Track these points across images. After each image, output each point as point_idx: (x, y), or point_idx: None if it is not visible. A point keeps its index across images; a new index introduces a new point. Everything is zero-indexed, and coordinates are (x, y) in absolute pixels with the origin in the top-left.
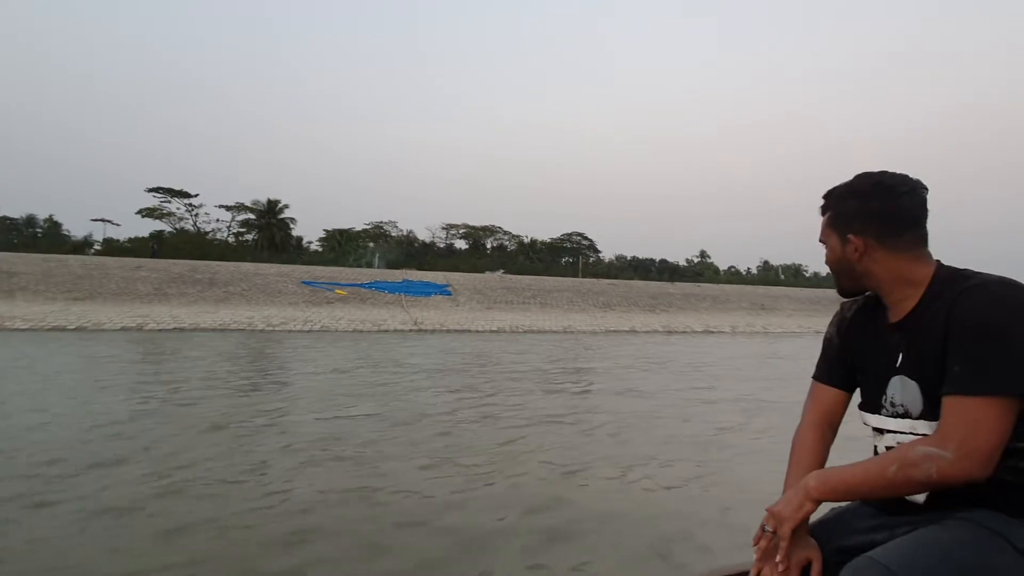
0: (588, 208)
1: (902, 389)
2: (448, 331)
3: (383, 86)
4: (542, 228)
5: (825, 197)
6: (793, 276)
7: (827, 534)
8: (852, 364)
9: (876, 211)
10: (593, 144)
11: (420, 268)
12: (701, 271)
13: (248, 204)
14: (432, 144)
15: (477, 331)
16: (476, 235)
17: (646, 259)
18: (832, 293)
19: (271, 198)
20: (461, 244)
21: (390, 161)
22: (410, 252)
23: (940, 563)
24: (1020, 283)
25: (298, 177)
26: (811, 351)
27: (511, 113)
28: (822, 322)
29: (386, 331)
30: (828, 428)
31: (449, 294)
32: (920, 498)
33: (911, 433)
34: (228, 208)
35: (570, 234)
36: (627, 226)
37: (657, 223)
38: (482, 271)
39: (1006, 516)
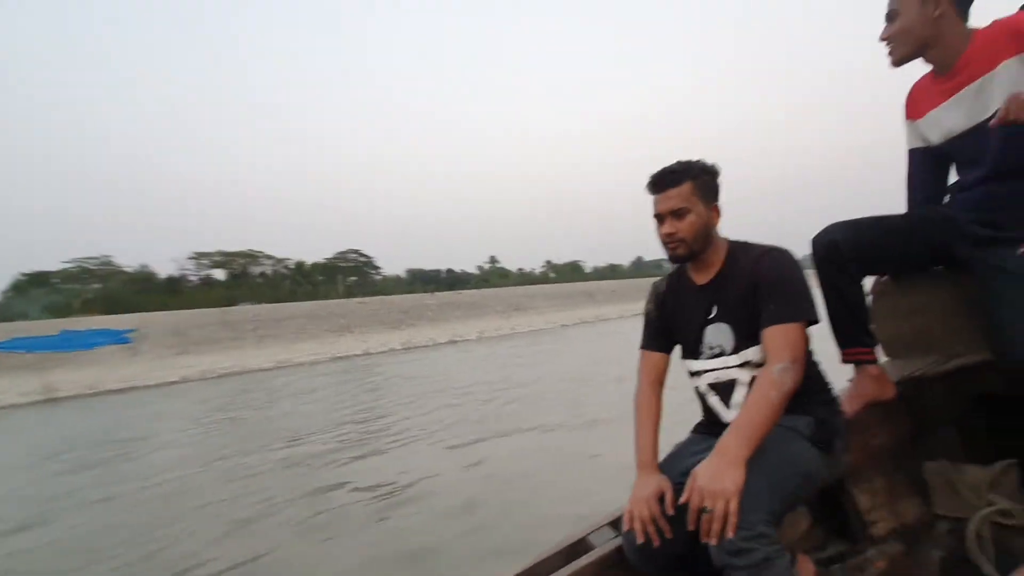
0: (367, 223)
1: (716, 333)
2: (98, 393)
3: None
4: (315, 249)
5: None
6: (571, 272)
7: (671, 465)
8: (670, 328)
9: None
10: (366, 156)
11: (157, 308)
12: (488, 277)
13: None
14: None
15: (148, 386)
16: (232, 263)
17: (432, 271)
18: (585, 286)
19: None
20: (220, 275)
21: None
22: (145, 289)
23: (760, 455)
24: (788, 249)
25: None
26: (504, 351)
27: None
28: (570, 316)
29: None
30: (660, 386)
31: (127, 342)
32: (733, 416)
33: (724, 368)
34: None
35: (344, 252)
36: (414, 239)
37: (447, 231)
38: (237, 304)
39: (788, 414)
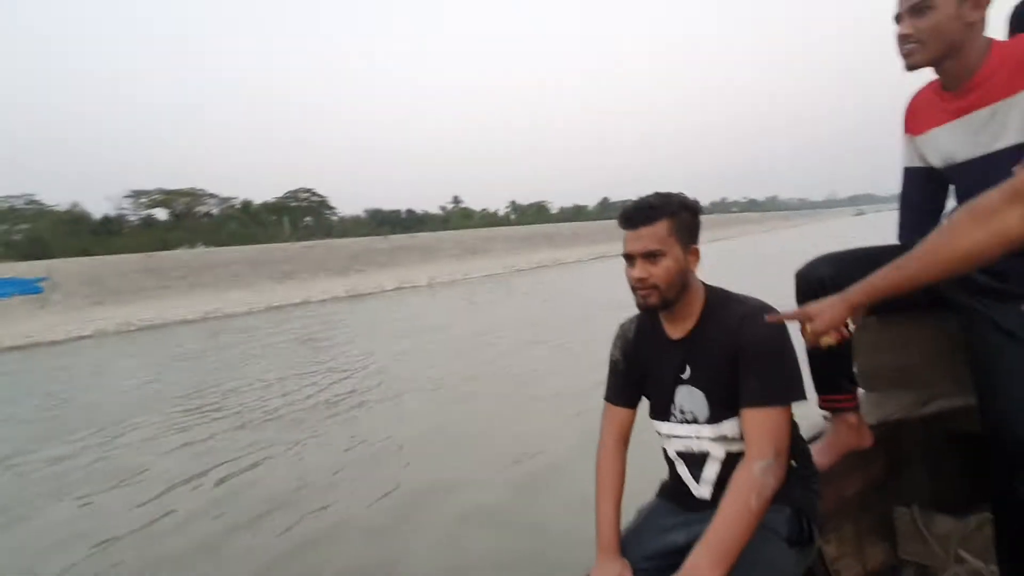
0: (322, 159)
1: (689, 398)
2: None
3: None
4: (263, 188)
5: None
6: (535, 213)
7: (635, 543)
8: (639, 380)
9: None
10: (323, 84)
11: (80, 254)
12: (449, 218)
13: None
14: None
15: (56, 341)
16: (174, 202)
17: (391, 211)
18: (545, 229)
19: None
20: (162, 215)
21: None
22: (74, 232)
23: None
24: (775, 308)
25: None
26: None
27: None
28: (527, 259)
29: None
30: (624, 443)
31: (38, 291)
32: (707, 494)
33: (697, 437)
34: None
35: (295, 192)
36: (376, 178)
37: (410, 170)
38: (176, 247)
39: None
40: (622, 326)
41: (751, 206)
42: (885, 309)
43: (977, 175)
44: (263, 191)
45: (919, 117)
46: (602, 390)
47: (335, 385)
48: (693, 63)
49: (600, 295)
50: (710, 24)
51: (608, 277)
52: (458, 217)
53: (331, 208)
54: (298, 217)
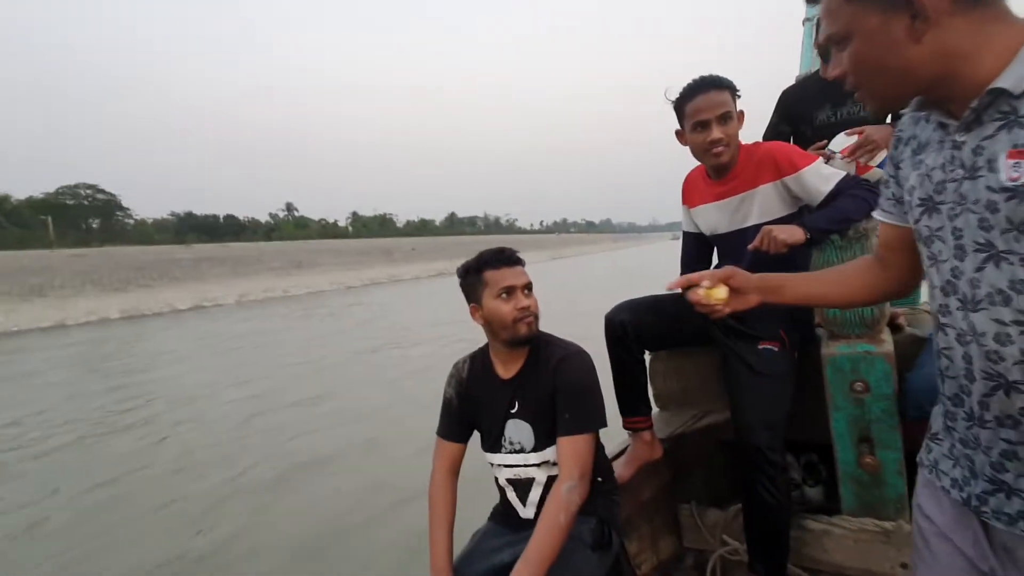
0: (114, 149)
1: (517, 430)
2: None
3: None
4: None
5: None
6: (379, 226)
7: (468, 565)
8: (471, 416)
9: None
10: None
11: None
12: (279, 227)
13: None
14: None
15: None
16: None
17: (207, 216)
18: (385, 243)
19: None
20: None
21: None
22: None
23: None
24: (587, 352)
25: None
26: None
27: None
28: (359, 275)
29: None
30: (455, 476)
31: None
32: (532, 514)
33: (524, 465)
34: None
35: (73, 187)
36: (190, 176)
37: (234, 169)
38: None
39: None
40: (456, 366)
41: (588, 228)
42: (673, 344)
43: (733, 243)
44: (31, 185)
45: (693, 194)
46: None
47: None
48: (532, 87)
49: (424, 317)
50: (542, 41)
51: (442, 296)
52: (290, 226)
53: (124, 209)
54: (80, 218)
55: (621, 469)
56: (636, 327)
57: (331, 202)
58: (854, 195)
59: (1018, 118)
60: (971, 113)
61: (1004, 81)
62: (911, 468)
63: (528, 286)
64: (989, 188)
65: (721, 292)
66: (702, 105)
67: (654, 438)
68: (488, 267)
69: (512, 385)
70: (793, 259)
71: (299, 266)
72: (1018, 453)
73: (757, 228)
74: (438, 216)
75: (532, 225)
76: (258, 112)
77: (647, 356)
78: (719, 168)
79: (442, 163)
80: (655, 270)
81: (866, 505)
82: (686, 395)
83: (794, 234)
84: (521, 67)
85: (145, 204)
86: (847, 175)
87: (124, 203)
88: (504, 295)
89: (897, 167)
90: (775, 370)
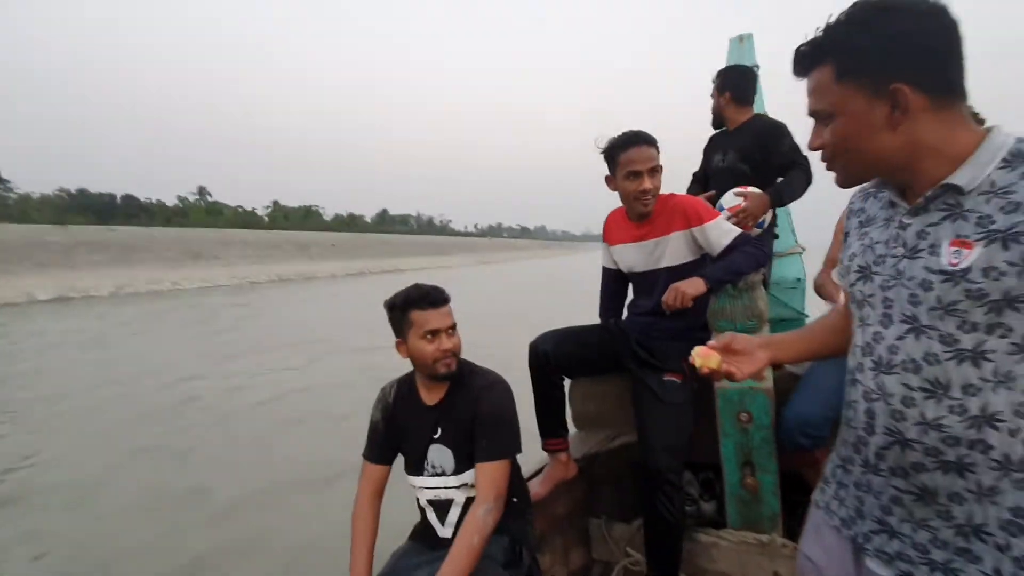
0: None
1: (440, 454)
2: None
3: None
4: None
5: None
6: (303, 218)
7: None
8: (397, 440)
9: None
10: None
11: None
12: (188, 212)
13: None
14: None
15: None
16: None
17: (102, 195)
18: (303, 236)
19: None
20: None
21: None
22: None
23: None
24: (506, 382)
25: None
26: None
27: None
28: (266, 271)
29: None
30: (378, 497)
31: None
32: (450, 534)
33: (445, 487)
34: None
35: None
36: (86, 150)
37: (137, 144)
38: None
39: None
40: (383, 390)
41: (522, 233)
42: (591, 372)
43: (648, 281)
44: None
45: (614, 232)
46: None
47: None
48: (477, 84)
49: (313, 325)
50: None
51: (357, 301)
52: (200, 212)
53: (4, 182)
54: None
55: (538, 487)
56: (557, 357)
57: (255, 191)
58: (745, 252)
59: (962, 211)
60: (923, 201)
61: (958, 179)
62: (784, 489)
63: (452, 327)
64: (927, 268)
65: (712, 361)
66: (635, 157)
67: (570, 459)
68: (414, 307)
69: (436, 411)
70: (696, 303)
71: (197, 257)
72: (904, 500)
73: (668, 270)
74: (369, 212)
75: (467, 227)
76: (172, 81)
77: (567, 382)
78: (642, 215)
79: (374, 158)
80: (585, 287)
81: (747, 520)
82: (601, 418)
83: (698, 287)
84: (464, 66)
85: (33, 179)
86: (741, 233)
87: (3, 175)
88: (428, 336)
89: (846, 235)
90: (676, 400)
